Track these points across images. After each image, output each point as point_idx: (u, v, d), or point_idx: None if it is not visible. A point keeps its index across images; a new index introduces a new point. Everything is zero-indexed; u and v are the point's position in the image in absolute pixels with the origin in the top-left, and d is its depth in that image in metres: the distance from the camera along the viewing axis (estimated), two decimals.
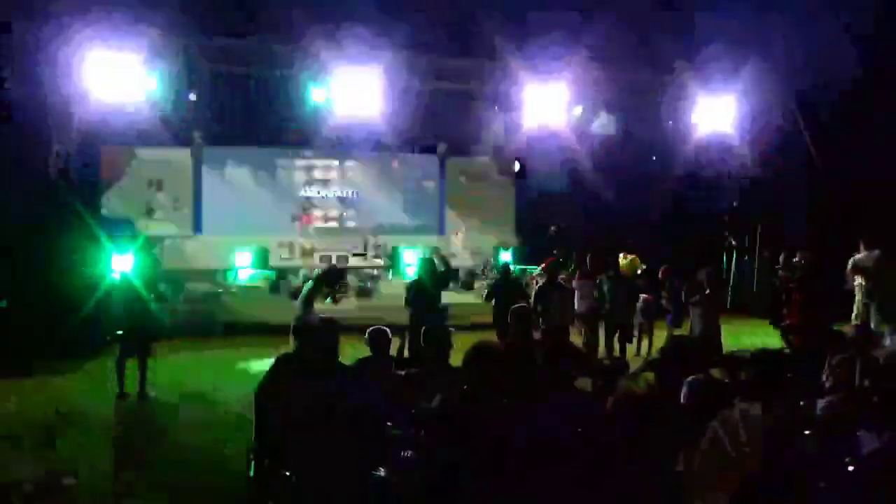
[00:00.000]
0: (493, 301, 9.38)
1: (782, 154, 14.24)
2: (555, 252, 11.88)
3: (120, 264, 10.13)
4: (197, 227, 14.73)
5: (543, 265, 10.27)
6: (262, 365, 4.98)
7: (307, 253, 14.88)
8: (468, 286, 14.38)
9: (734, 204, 15.64)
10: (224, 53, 12.59)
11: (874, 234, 9.95)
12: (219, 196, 14.97)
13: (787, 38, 12.74)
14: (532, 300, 8.79)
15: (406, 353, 8.33)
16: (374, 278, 14.26)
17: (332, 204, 15.83)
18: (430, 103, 13.71)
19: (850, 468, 3.27)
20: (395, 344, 6.45)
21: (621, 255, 11.46)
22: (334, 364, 4.77)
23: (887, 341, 8.44)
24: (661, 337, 9.91)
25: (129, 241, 10.83)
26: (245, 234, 14.52)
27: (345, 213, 15.92)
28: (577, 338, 9.32)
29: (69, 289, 10.11)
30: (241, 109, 13.42)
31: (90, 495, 5.55)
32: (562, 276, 9.88)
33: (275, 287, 13.54)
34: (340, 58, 12.57)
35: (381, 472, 3.75)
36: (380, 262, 15.10)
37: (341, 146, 15.08)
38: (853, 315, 9.83)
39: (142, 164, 14.12)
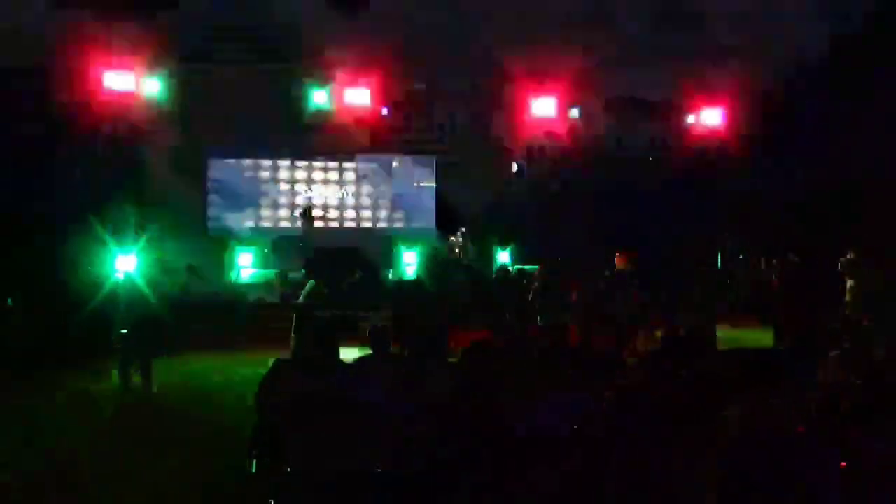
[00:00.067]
0: (493, 299, 9.50)
1: (775, 155, 14.36)
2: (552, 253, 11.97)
3: (125, 265, 10.23)
4: (201, 228, 14.86)
5: (542, 265, 10.38)
6: (263, 363, 5.04)
7: (308, 252, 14.98)
8: (466, 285, 14.55)
9: (728, 204, 15.79)
10: (227, 56, 12.76)
11: (864, 235, 10.14)
12: (222, 197, 15.12)
13: (779, 39, 12.85)
14: (530, 299, 8.89)
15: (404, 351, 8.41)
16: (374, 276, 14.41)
17: (333, 205, 15.93)
18: (429, 105, 13.85)
19: (843, 464, 3.29)
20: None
21: (617, 255, 11.55)
22: (335, 361, 4.86)
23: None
24: (655, 334, 10.03)
25: (134, 243, 10.93)
26: (248, 235, 14.76)
27: (345, 214, 16.03)
28: (573, 335, 9.41)
29: (75, 288, 10.19)
30: (245, 112, 13.60)
31: (92, 492, 5.62)
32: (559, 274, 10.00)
33: (276, 286, 13.70)
34: (341, 61, 12.73)
35: (381, 464, 3.80)
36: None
37: (342, 148, 15.17)
38: (843, 314, 10.01)
39: (146, 166, 14.21)
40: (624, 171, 15.31)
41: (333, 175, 15.92)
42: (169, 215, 14.28)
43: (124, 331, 8.48)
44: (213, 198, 15.19)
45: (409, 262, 14.61)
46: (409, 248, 15.15)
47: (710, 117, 15.17)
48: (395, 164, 16.15)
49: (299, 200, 15.59)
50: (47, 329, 9.65)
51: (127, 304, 8.60)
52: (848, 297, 10.06)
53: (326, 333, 4.97)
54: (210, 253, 14.33)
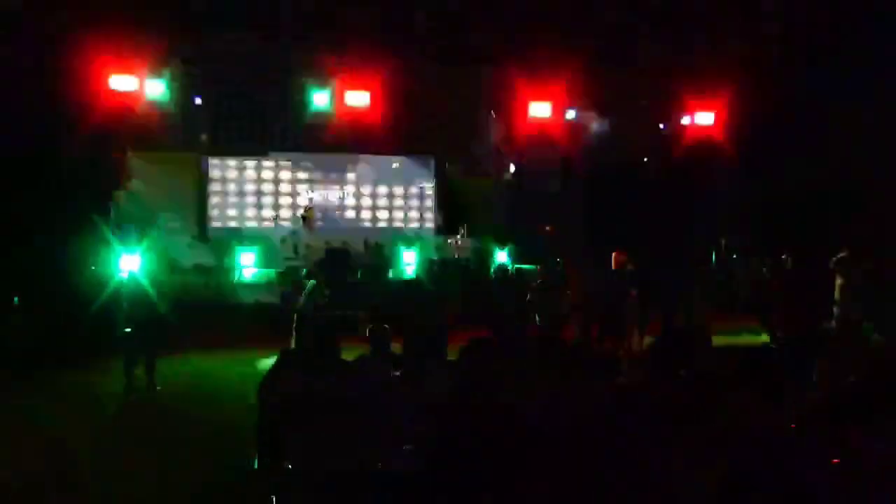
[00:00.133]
0: (491, 299, 9.54)
1: (769, 153, 14.42)
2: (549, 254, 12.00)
3: (128, 264, 10.29)
4: (203, 228, 14.88)
5: (540, 266, 10.42)
6: (265, 361, 5.06)
7: (309, 252, 15.04)
8: (466, 284, 14.61)
9: (724, 203, 15.85)
10: (229, 58, 12.81)
11: (856, 234, 10.25)
12: (223, 197, 15.14)
13: (772, 39, 12.89)
14: (528, 298, 8.93)
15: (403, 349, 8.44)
16: (374, 276, 14.43)
17: (334, 205, 15.96)
18: (428, 107, 13.91)
19: (836, 461, 3.31)
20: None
21: (613, 254, 11.59)
22: (335, 360, 4.88)
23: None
24: (652, 333, 10.07)
25: (138, 242, 10.99)
26: (249, 235, 14.81)
27: (345, 214, 16.05)
28: (570, 333, 9.48)
29: (80, 287, 10.23)
30: (246, 113, 13.66)
31: (95, 489, 5.64)
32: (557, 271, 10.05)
33: (277, 285, 13.75)
34: (342, 63, 12.80)
35: (381, 462, 3.83)
36: (379, 261, 15.29)
37: (342, 149, 15.21)
38: (834, 313, 10.15)
39: (149, 166, 14.26)
40: (622, 171, 15.37)
41: (334, 175, 15.94)
42: (170, 215, 14.39)
43: (128, 329, 8.52)
44: (214, 198, 15.19)
45: (409, 262, 14.62)
46: (408, 247, 15.18)
47: (705, 118, 15.19)
48: (395, 164, 16.18)
49: (300, 201, 15.61)
50: (50, 328, 9.67)
51: (131, 304, 8.63)
52: (837, 296, 10.19)
53: (326, 333, 4.99)
54: (211, 252, 14.37)
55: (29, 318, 9.89)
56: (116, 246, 10.89)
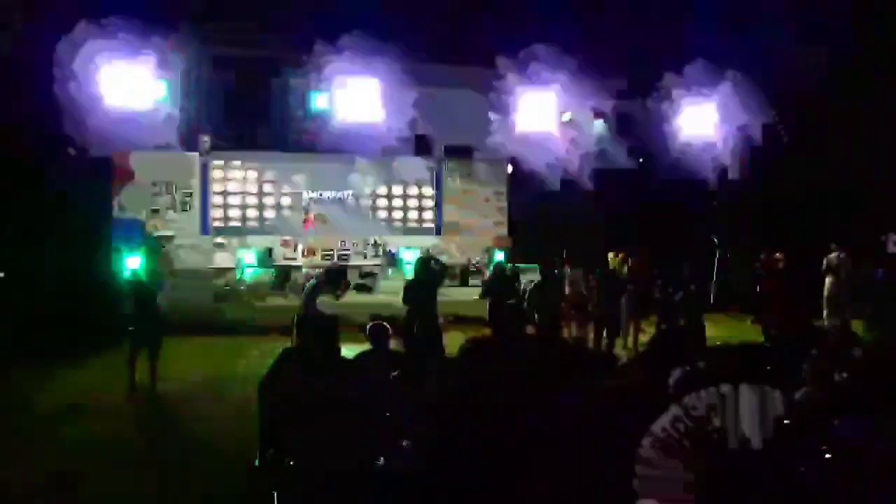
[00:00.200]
0: (489, 298, 9.56)
1: (762, 155, 14.49)
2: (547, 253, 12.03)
3: (131, 263, 10.33)
4: (204, 228, 14.90)
5: (540, 265, 10.45)
6: (266, 359, 5.08)
7: (310, 252, 15.09)
8: (464, 283, 14.69)
9: (716, 203, 15.94)
10: (230, 60, 12.86)
11: (844, 236, 10.38)
12: (225, 198, 15.20)
13: (765, 44, 12.93)
14: (526, 297, 8.96)
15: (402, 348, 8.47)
16: (374, 276, 14.50)
17: (334, 205, 15.97)
18: (428, 107, 13.94)
19: (827, 455, 3.32)
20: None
21: (610, 254, 11.66)
22: (335, 357, 4.89)
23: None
24: (648, 332, 10.13)
25: (140, 242, 11.04)
26: (249, 235, 14.85)
27: (346, 214, 16.06)
28: (567, 332, 9.52)
29: (83, 285, 10.27)
30: (247, 115, 13.68)
31: (97, 486, 5.65)
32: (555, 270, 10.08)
33: (278, 285, 13.84)
34: (341, 65, 12.84)
35: (381, 461, 3.84)
36: (379, 260, 15.36)
37: (342, 150, 15.22)
38: (825, 311, 10.26)
39: (151, 167, 14.27)
40: (620, 171, 15.45)
41: (334, 175, 15.94)
42: (170, 215, 14.39)
43: (132, 328, 8.58)
44: (214, 198, 15.18)
45: (409, 262, 14.65)
46: (408, 247, 15.23)
47: (703, 118, 15.26)
48: (395, 164, 16.19)
49: (301, 201, 15.63)
50: (52, 326, 9.71)
51: (133, 303, 8.71)
52: (826, 294, 10.31)
53: (326, 332, 5.00)
54: (211, 252, 14.39)
55: (38, 311, 9.95)
56: (117, 246, 10.93)
